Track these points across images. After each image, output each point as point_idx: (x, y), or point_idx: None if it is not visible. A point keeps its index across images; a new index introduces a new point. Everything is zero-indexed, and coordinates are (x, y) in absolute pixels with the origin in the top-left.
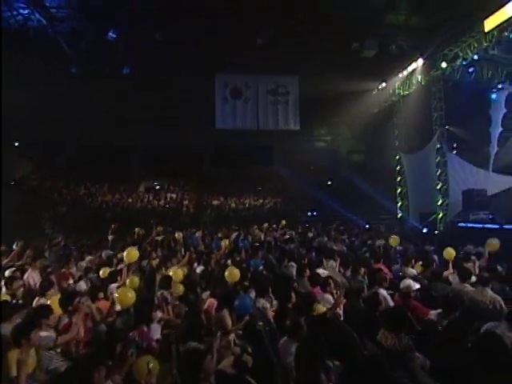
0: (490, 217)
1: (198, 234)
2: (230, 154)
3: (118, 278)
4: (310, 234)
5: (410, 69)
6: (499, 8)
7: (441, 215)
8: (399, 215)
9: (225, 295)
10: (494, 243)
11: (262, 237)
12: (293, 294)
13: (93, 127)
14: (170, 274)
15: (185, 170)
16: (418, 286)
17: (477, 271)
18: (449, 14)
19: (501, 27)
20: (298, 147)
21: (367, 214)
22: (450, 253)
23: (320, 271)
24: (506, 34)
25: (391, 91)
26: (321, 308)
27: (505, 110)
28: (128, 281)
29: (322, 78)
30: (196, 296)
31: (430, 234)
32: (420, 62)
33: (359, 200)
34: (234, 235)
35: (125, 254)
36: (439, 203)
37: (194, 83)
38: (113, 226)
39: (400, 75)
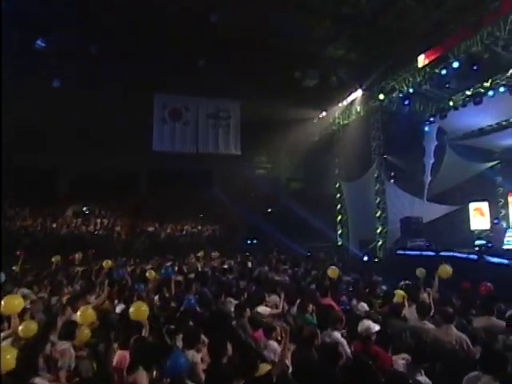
0: (427, 244)
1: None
2: (166, 177)
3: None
4: (250, 264)
5: (349, 99)
6: (431, 47)
7: (380, 243)
8: (339, 243)
9: (140, 347)
10: (446, 269)
11: (199, 266)
12: (229, 346)
13: (15, 144)
14: (78, 315)
15: (118, 193)
16: (377, 327)
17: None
18: (386, 50)
19: (432, 64)
20: (238, 173)
21: (307, 242)
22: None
23: (262, 309)
24: (437, 70)
25: (331, 120)
26: (264, 366)
27: (436, 142)
28: (21, 328)
29: (264, 104)
30: (108, 346)
31: (370, 261)
32: (359, 92)
33: (299, 228)
34: (167, 265)
35: (2, 303)
36: (378, 231)
37: (131, 102)
38: (18, 252)
39: (340, 105)
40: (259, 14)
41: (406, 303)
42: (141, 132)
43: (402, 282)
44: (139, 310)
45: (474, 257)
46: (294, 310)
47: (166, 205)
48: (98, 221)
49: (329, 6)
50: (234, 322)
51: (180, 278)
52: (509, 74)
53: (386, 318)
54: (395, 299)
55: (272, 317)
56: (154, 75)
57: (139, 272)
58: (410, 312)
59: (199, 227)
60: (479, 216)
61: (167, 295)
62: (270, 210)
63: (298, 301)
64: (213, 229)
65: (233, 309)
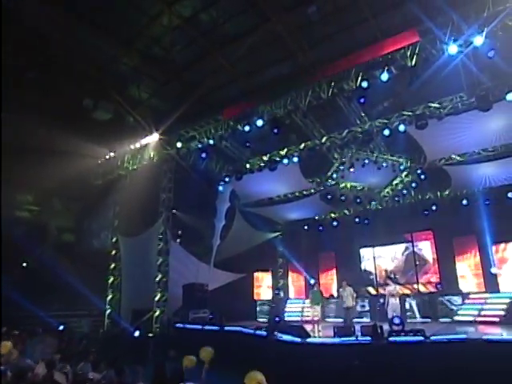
0: (210, 316)
1: None
2: None
3: None
4: None
5: (143, 142)
6: (237, 102)
7: (157, 313)
8: (108, 311)
9: None
10: (207, 351)
11: None
12: None
13: None
14: None
15: None
16: None
17: None
18: (191, 100)
19: (237, 119)
20: None
21: (65, 309)
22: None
23: None
24: (240, 127)
25: (119, 163)
26: None
27: (229, 204)
28: None
29: (39, 126)
30: None
31: (142, 337)
32: (155, 137)
33: (58, 290)
34: None
35: None
36: (157, 298)
37: None
38: None
39: (132, 147)
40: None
41: None
42: None
43: None
44: None
45: (263, 333)
46: None
47: None
48: None
49: (141, 40)
50: None
51: None
52: (302, 146)
53: None
54: None
55: None
56: None
57: None
58: None
59: None
60: (262, 286)
61: None
62: (24, 265)
63: None
64: None
65: None
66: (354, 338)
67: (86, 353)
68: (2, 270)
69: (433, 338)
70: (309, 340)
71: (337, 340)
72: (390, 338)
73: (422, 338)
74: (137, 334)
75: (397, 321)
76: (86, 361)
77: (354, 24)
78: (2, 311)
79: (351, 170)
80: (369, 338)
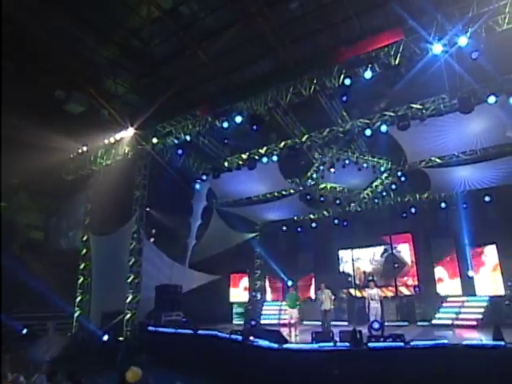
0: (183, 320)
1: None
2: None
3: None
4: None
5: (118, 137)
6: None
7: (129, 315)
8: (76, 313)
9: None
10: (135, 372)
11: None
12: None
13: None
14: None
15: None
16: None
17: None
18: (168, 94)
19: (214, 114)
20: None
21: (30, 311)
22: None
23: None
24: (218, 123)
25: (92, 158)
26: None
27: (205, 203)
28: None
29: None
30: None
31: (111, 342)
32: (131, 131)
33: (23, 290)
34: None
35: None
36: (128, 300)
37: None
38: None
39: (106, 141)
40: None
41: None
42: None
43: None
44: None
45: (239, 338)
46: None
47: None
48: None
49: (119, 31)
50: None
51: None
52: (282, 144)
53: None
54: None
55: None
56: None
57: None
58: None
59: None
60: (239, 288)
61: None
62: None
63: None
64: None
65: None
66: (332, 344)
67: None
68: None
69: (413, 343)
70: (286, 346)
71: (315, 346)
72: (370, 344)
73: (401, 344)
74: (105, 338)
75: (376, 325)
76: (40, 372)
77: (337, 22)
78: None
79: (331, 170)
80: (348, 344)
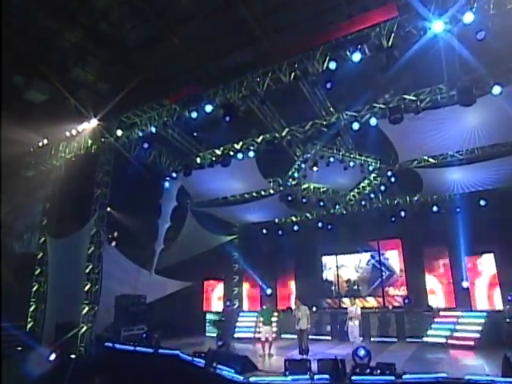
0: (144, 334)
1: None
2: None
3: None
4: None
5: (80, 128)
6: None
7: (84, 329)
8: (29, 325)
9: None
10: None
11: None
12: None
13: None
14: None
15: None
16: None
17: None
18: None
19: (183, 104)
20: None
21: None
22: None
23: None
24: (187, 113)
25: (53, 152)
26: None
27: (176, 203)
28: None
29: None
30: None
31: (60, 360)
32: (94, 122)
33: None
34: None
35: None
36: (84, 312)
37: None
38: None
39: (68, 134)
40: None
41: None
42: None
43: None
44: None
45: (201, 362)
46: None
47: None
48: None
49: (85, 13)
50: None
51: None
52: (259, 139)
53: None
54: None
55: None
56: None
57: None
58: None
59: None
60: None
61: None
62: None
63: None
64: None
65: None
66: (308, 377)
67: None
68: None
69: (405, 376)
70: (252, 379)
71: (288, 379)
72: (354, 378)
73: (392, 378)
74: (52, 357)
75: (361, 353)
76: None
77: (326, 9)
78: None
79: (314, 168)
80: (327, 377)
